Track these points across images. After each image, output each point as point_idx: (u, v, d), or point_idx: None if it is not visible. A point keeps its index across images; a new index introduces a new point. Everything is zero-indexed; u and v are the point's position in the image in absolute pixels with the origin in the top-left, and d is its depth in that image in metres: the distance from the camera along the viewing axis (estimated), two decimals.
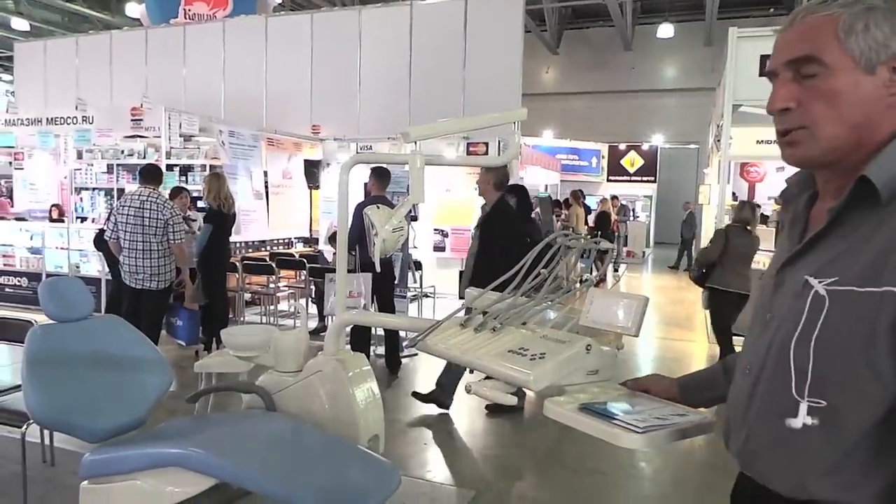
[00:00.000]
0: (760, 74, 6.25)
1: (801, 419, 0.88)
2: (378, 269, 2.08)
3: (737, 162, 12.45)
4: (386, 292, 5.35)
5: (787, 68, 0.93)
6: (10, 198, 9.58)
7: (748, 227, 5.12)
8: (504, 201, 4.31)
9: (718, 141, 7.80)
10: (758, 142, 7.43)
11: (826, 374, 0.86)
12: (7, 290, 7.61)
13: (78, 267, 7.34)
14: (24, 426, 2.74)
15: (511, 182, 4.56)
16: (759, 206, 6.06)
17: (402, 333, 5.42)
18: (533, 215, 6.82)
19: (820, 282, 0.87)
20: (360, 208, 4.55)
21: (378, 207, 1.96)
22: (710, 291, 5.11)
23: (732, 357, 1.27)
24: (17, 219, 8.62)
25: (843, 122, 0.89)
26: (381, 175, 5.08)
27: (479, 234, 4.23)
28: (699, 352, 6.85)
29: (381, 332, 5.82)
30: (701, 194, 12.40)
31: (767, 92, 0.99)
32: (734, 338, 5.08)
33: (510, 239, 3.91)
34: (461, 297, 4.57)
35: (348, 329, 5.18)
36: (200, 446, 1.95)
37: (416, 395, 4.58)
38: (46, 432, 3.28)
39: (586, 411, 1.26)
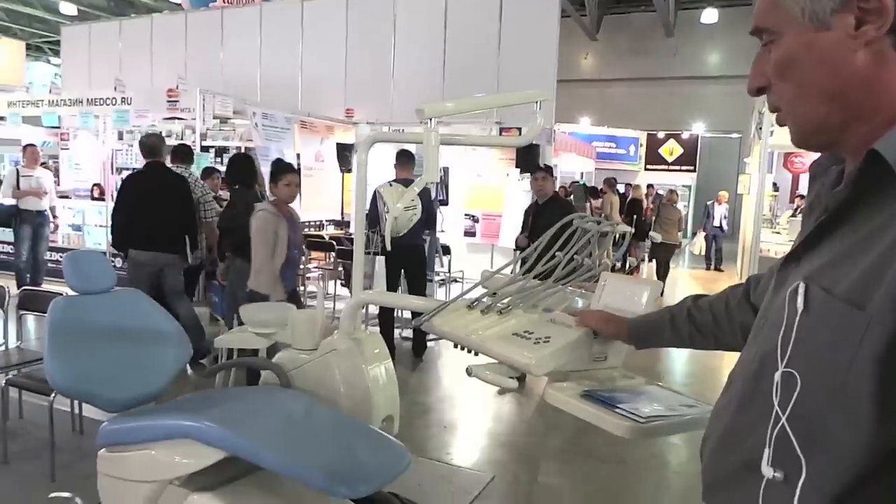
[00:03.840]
0: None
1: (765, 467, 0.68)
2: (389, 247, 2.05)
3: (780, 152, 12.07)
4: (419, 275, 5.33)
5: (760, 41, 0.78)
6: (57, 176, 9.89)
7: None
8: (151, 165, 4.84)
9: (760, 129, 7.54)
10: None
11: (796, 411, 0.66)
12: (49, 264, 7.85)
13: None
14: (52, 394, 2.82)
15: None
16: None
17: None
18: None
19: (808, 288, 0.68)
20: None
21: (390, 185, 1.93)
22: None
23: (684, 305, 1.18)
24: (62, 196, 8.88)
25: (812, 93, 0.71)
26: (402, 157, 5.09)
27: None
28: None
29: (408, 314, 5.83)
30: (741, 184, 12.03)
31: None
32: None
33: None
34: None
35: (375, 311, 5.23)
36: (212, 420, 1.97)
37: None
38: (76, 401, 3.38)
39: (588, 398, 1.22)
